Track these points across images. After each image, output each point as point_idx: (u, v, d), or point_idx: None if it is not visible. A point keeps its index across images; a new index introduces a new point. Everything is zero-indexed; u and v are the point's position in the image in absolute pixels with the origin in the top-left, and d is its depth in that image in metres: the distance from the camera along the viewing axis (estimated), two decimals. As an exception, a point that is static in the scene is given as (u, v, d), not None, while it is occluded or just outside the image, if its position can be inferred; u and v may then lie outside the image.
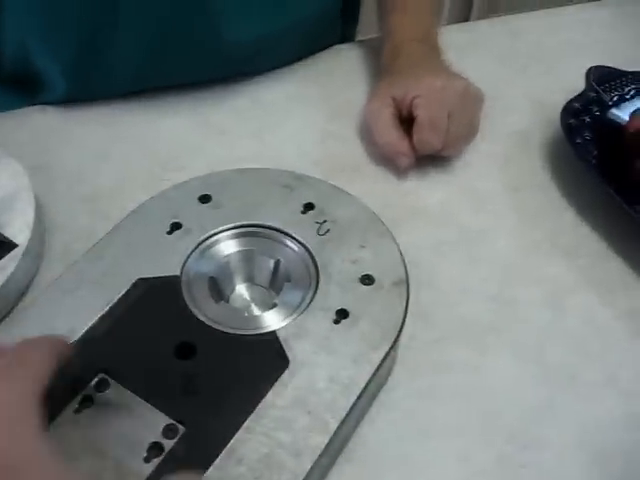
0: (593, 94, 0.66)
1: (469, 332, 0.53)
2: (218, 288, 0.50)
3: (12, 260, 0.53)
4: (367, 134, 0.64)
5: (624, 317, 0.55)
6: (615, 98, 0.67)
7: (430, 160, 0.64)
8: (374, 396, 0.48)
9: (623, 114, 0.66)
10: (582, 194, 0.62)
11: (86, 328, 0.46)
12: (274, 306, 0.48)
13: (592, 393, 0.51)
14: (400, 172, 0.63)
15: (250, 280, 0.52)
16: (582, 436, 0.48)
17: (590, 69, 0.68)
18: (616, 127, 0.64)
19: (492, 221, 0.60)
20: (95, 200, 0.61)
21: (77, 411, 0.43)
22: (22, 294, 0.54)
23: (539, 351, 0.52)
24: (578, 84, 0.66)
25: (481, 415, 0.49)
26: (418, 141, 0.61)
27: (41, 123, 0.68)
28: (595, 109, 0.65)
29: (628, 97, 0.67)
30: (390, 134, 0.62)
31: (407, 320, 0.47)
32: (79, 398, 0.43)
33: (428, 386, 0.50)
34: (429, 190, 0.62)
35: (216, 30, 0.63)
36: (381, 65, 0.67)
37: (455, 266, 0.57)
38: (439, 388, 0.50)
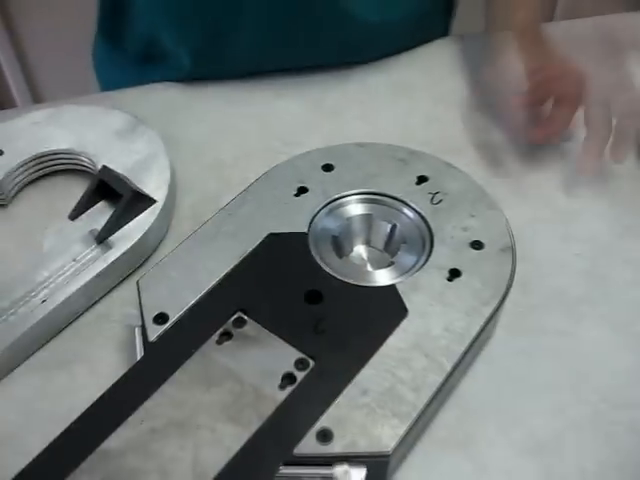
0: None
1: (563, 301, 0.57)
2: (340, 246, 0.55)
3: (151, 214, 0.59)
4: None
5: None
6: None
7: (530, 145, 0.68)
8: (479, 349, 0.53)
9: None
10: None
11: (224, 273, 0.51)
12: (391, 265, 0.53)
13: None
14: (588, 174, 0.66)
15: (368, 242, 0.57)
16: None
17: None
18: None
19: (586, 204, 0.64)
20: (218, 169, 0.67)
21: (218, 342, 0.48)
22: (158, 245, 0.60)
23: (629, 323, 0.56)
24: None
25: (574, 375, 0.53)
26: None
27: (166, 98, 0.74)
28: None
29: None
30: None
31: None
32: (219, 332, 0.49)
33: (525, 347, 0.54)
34: (527, 173, 0.67)
35: (342, 12, 0.68)
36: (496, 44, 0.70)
37: (550, 242, 0.61)
38: (535, 349, 0.54)
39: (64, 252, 0.56)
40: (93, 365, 0.53)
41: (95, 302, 0.56)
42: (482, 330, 0.49)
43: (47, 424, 0.44)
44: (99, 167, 0.59)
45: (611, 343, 0.55)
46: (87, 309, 0.56)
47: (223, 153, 0.68)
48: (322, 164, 0.58)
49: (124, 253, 0.56)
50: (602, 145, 0.63)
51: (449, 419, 0.50)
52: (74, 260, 0.56)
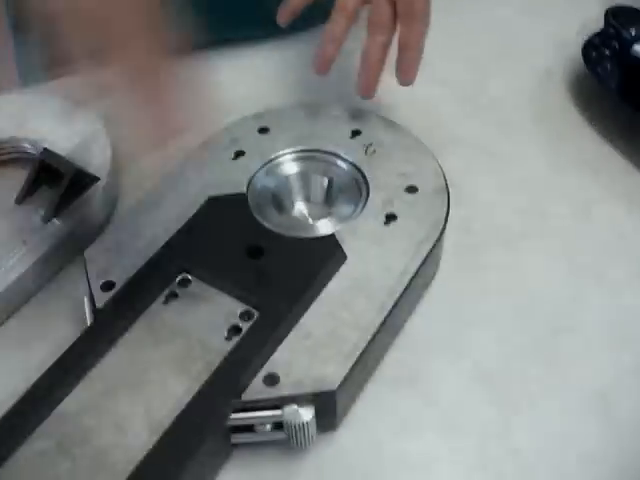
0: (612, 30, 0.71)
1: (503, 238, 0.59)
2: (280, 203, 0.56)
3: (96, 191, 0.60)
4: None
5: (647, 224, 0.60)
6: (634, 34, 0.72)
7: (462, 96, 0.69)
8: (422, 289, 0.54)
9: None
10: (606, 119, 0.68)
11: (167, 238, 0.52)
12: (330, 215, 0.55)
13: (619, 288, 0.56)
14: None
15: (307, 199, 0.58)
16: (610, 323, 0.54)
17: (609, 9, 0.73)
18: (637, 60, 0.69)
19: (521, 146, 0.66)
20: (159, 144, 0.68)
21: (165, 302, 0.49)
22: (106, 222, 0.61)
23: (568, 254, 0.58)
24: (598, 25, 0.71)
25: (517, 307, 0.55)
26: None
27: (102, 79, 0.74)
28: (615, 44, 0.71)
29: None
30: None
31: (448, 230, 0.53)
32: (165, 293, 0.50)
33: (468, 284, 0.56)
34: (460, 121, 0.68)
35: None
36: None
37: (487, 184, 0.63)
38: (478, 285, 0.56)
39: (13, 236, 0.57)
40: (50, 341, 0.53)
41: (48, 281, 0.57)
42: (421, 268, 0.50)
43: (9, 401, 0.45)
44: (41, 152, 0.60)
45: (550, 275, 0.57)
46: (40, 289, 0.57)
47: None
48: (258, 127, 0.60)
49: (71, 231, 0.57)
50: (383, 55, 0.57)
51: (398, 358, 0.52)
52: (24, 243, 0.56)
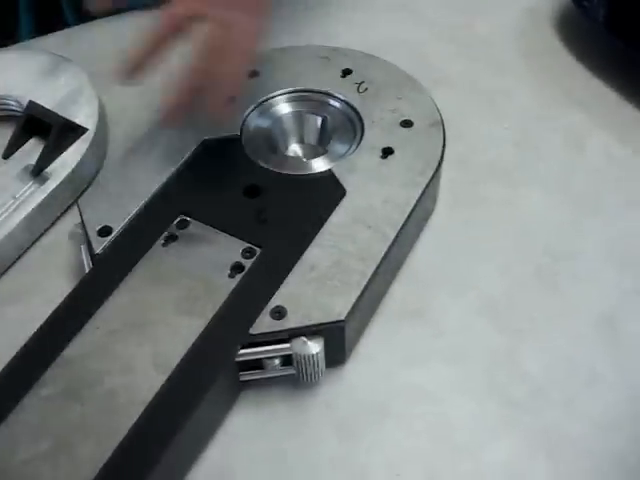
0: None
1: (498, 172, 0.59)
2: (274, 144, 0.56)
3: (84, 142, 0.59)
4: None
5: (640, 151, 0.60)
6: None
7: (448, 35, 0.69)
8: (423, 222, 0.54)
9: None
10: (593, 54, 0.68)
11: (162, 181, 0.52)
12: (325, 153, 0.54)
13: (616, 213, 0.56)
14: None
15: (301, 140, 0.58)
16: (609, 247, 0.54)
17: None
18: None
19: (510, 83, 0.66)
20: (148, 95, 0.66)
21: (164, 245, 0.49)
22: (96, 173, 0.60)
23: (564, 183, 0.58)
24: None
25: (516, 237, 0.55)
26: None
27: (88, 37, 0.73)
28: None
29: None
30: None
31: (445, 166, 0.53)
32: (164, 235, 0.49)
33: (468, 216, 0.56)
34: (449, 61, 0.68)
35: None
36: None
37: (480, 120, 0.62)
38: (478, 217, 0.56)
39: (2, 191, 0.56)
40: (46, 294, 0.52)
41: (40, 235, 0.56)
42: (420, 199, 0.50)
43: (8, 353, 0.44)
44: (27, 106, 0.59)
45: (547, 203, 0.57)
46: (33, 243, 0.56)
47: (152, 80, 0.68)
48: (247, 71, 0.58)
49: (61, 183, 0.56)
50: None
51: (402, 291, 0.52)
52: (13, 197, 0.56)
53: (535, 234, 0.55)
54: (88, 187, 0.59)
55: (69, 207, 0.58)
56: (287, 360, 0.45)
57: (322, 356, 0.45)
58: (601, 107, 0.64)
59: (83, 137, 0.59)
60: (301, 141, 0.57)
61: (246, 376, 0.46)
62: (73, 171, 0.57)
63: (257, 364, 0.46)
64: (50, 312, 0.46)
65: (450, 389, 0.48)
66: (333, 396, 0.47)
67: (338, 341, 0.46)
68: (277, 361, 0.45)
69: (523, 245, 0.54)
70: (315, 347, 0.44)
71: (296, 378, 0.46)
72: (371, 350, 0.49)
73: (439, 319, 0.50)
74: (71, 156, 0.58)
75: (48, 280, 0.54)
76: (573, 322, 0.50)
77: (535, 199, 0.57)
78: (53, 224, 0.57)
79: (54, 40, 0.72)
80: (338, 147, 0.54)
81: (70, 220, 0.56)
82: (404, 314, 0.51)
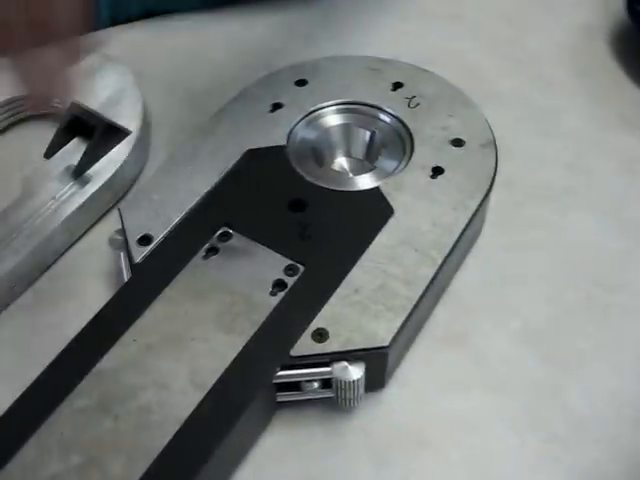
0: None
1: (549, 195, 0.57)
2: (320, 157, 0.54)
3: (127, 145, 0.58)
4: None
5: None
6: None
7: (500, 51, 0.67)
8: (470, 245, 0.52)
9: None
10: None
11: (205, 191, 0.51)
12: (373, 169, 0.53)
13: (669, 244, 0.54)
14: None
15: (348, 154, 0.56)
16: (662, 279, 0.52)
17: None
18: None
19: (563, 102, 0.64)
20: (192, 99, 0.66)
21: (205, 257, 0.48)
22: (137, 177, 0.59)
23: (616, 210, 0.56)
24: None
25: (565, 264, 0.53)
26: None
27: (131, 37, 0.72)
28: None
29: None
30: None
31: (493, 187, 0.51)
32: (206, 247, 0.48)
33: (514, 241, 0.54)
34: (501, 76, 0.66)
35: None
36: None
37: (532, 141, 0.61)
38: (525, 242, 0.54)
39: (42, 191, 0.55)
40: (83, 299, 0.52)
41: (79, 238, 0.56)
42: (470, 223, 0.48)
43: (42, 359, 0.43)
44: (70, 106, 0.58)
45: (598, 231, 0.55)
46: (71, 245, 0.55)
47: (195, 83, 0.67)
48: (295, 80, 0.58)
49: (102, 186, 0.55)
50: None
51: (445, 316, 0.50)
52: (53, 198, 0.55)
53: (584, 262, 0.53)
54: (129, 191, 0.58)
55: (109, 210, 0.57)
56: (326, 383, 0.44)
57: (362, 382, 0.43)
58: (656, 132, 0.62)
59: (126, 140, 0.58)
60: (348, 155, 0.56)
61: (283, 397, 0.45)
62: (114, 174, 0.56)
63: (295, 385, 0.44)
64: (86, 319, 0.45)
65: (490, 420, 0.46)
66: (370, 421, 0.46)
67: (379, 366, 0.45)
68: (316, 384, 0.44)
69: (571, 273, 0.52)
70: (356, 373, 0.43)
71: (334, 401, 0.45)
72: (411, 375, 0.48)
73: (482, 346, 0.49)
74: (113, 159, 0.57)
75: (85, 286, 0.53)
76: (621, 356, 0.49)
77: (586, 225, 0.55)
78: (92, 227, 0.56)
79: (99, 38, 0.71)
80: (386, 163, 0.53)
81: (110, 224, 0.55)
82: (446, 339, 0.49)
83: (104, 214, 0.57)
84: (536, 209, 0.56)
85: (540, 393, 0.47)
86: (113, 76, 0.62)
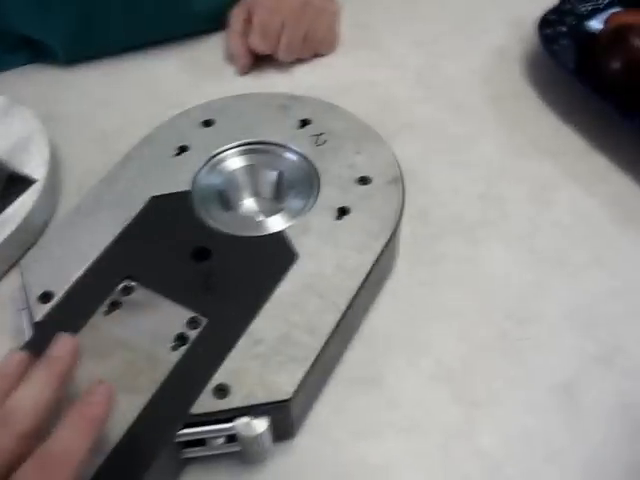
0: (568, 6, 0.69)
1: (461, 227, 0.57)
2: (227, 201, 0.54)
3: (33, 194, 0.56)
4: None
5: (608, 204, 0.58)
6: (589, 9, 0.70)
7: (414, 78, 0.67)
8: (379, 285, 0.52)
9: (598, 24, 0.69)
10: (561, 100, 0.66)
11: (108, 242, 0.50)
12: (280, 211, 0.52)
13: (580, 273, 0.54)
14: (238, 72, 0.70)
15: (256, 194, 0.56)
16: (573, 310, 0.52)
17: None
18: (592, 36, 0.67)
19: (476, 129, 0.64)
20: (103, 141, 0.65)
21: (107, 313, 0.47)
22: (45, 226, 0.57)
23: (528, 240, 0.56)
24: (552, 2, 0.69)
25: (478, 298, 0.53)
26: (250, 43, 0.67)
27: (42, 78, 0.71)
28: (571, 20, 0.69)
29: (602, 7, 0.70)
30: (232, 37, 0.69)
31: (405, 220, 0.51)
32: (107, 302, 0.47)
33: (428, 276, 0.54)
34: (415, 105, 0.66)
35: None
36: None
37: (445, 171, 0.61)
38: (438, 277, 0.54)
39: (-55, 243, 0.54)
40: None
41: (-16, 292, 0.54)
42: (375, 265, 0.48)
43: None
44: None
45: (510, 263, 0.55)
46: (-25, 300, 0.53)
47: (107, 125, 0.66)
48: (202, 120, 0.57)
49: (8, 237, 0.54)
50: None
51: (357, 357, 0.50)
52: (-43, 251, 0.53)
53: (497, 295, 0.53)
54: (37, 241, 0.57)
55: (16, 262, 0.55)
56: (232, 437, 0.43)
57: (268, 435, 0.43)
58: (569, 156, 0.62)
59: (32, 188, 0.57)
60: (256, 195, 0.55)
61: (190, 453, 0.44)
62: (21, 224, 0.55)
63: (201, 441, 0.43)
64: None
65: (403, 463, 0.46)
66: (281, 473, 0.46)
67: (285, 418, 0.44)
68: (221, 439, 0.43)
69: (484, 307, 0.52)
70: (260, 427, 0.42)
71: (242, 455, 0.44)
72: (322, 422, 0.47)
73: (394, 388, 0.49)
74: (19, 208, 0.56)
75: (-10, 341, 0.51)
76: (532, 392, 0.49)
77: (498, 257, 0.55)
78: (-1, 279, 0.55)
79: (8, 79, 0.70)
80: (294, 203, 0.53)
81: (16, 278, 0.53)
82: (357, 383, 0.49)
83: (9, 267, 0.55)
84: (450, 242, 0.56)
85: (453, 435, 0.47)
86: (19, 122, 0.61)
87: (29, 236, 0.56)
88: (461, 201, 0.59)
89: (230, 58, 0.70)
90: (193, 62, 0.71)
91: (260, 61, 0.70)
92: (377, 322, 0.52)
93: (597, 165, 0.61)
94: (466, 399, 0.48)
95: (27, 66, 0.72)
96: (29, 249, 0.56)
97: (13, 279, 0.54)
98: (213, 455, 0.45)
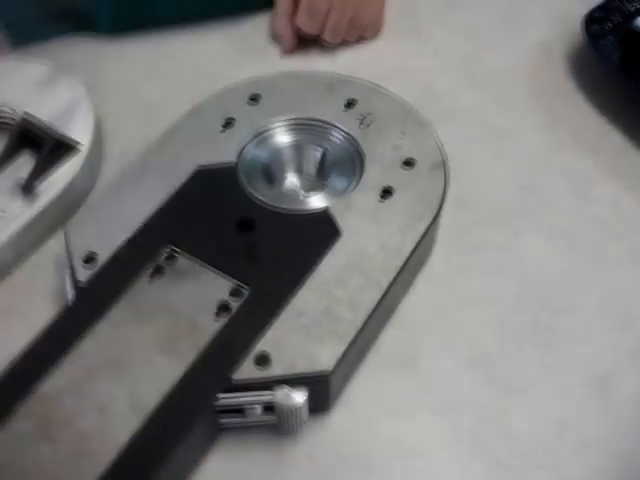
0: (615, 3, 0.69)
1: (500, 216, 0.57)
2: (271, 175, 0.54)
3: (78, 160, 0.57)
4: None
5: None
6: (637, 7, 0.69)
7: (458, 68, 0.67)
8: (418, 267, 0.52)
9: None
10: (604, 97, 0.66)
11: (153, 210, 0.50)
12: (323, 189, 0.52)
13: (617, 268, 0.54)
14: (282, 53, 0.70)
15: (299, 170, 0.56)
16: (608, 303, 0.52)
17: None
18: (639, 35, 0.67)
19: (518, 121, 0.64)
20: (146, 111, 0.65)
21: (150, 279, 0.47)
22: (88, 192, 0.58)
23: (567, 232, 0.56)
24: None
25: (514, 287, 0.53)
26: (296, 23, 0.67)
27: (87, 48, 0.71)
28: (617, 18, 0.68)
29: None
30: (279, 18, 0.69)
31: (445, 207, 0.51)
32: (151, 268, 0.47)
33: (465, 262, 0.54)
34: (457, 94, 0.66)
35: None
36: None
37: (485, 160, 0.61)
38: (475, 264, 0.54)
39: (-10, 206, 0.54)
40: (28, 316, 0.51)
41: (27, 254, 0.55)
42: (418, 246, 0.48)
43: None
44: (21, 118, 0.58)
45: (548, 254, 0.55)
46: (19, 261, 0.54)
47: (150, 95, 0.66)
48: (248, 95, 0.57)
49: (52, 202, 0.55)
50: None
51: (393, 338, 0.50)
52: (2, 212, 0.54)
53: (534, 285, 0.53)
54: (79, 206, 0.57)
55: (59, 226, 0.56)
56: (269, 407, 0.44)
57: (305, 407, 0.43)
58: (610, 152, 0.62)
59: (76, 155, 0.57)
60: (299, 172, 0.56)
61: (227, 421, 0.44)
62: (64, 189, 0.56)
63: (238, 409, 0.44)
64: (31, 336, 0.45)
65: (434, 445, 0.46)
66: (314, 446, 0.46)
67: (323, 391, 0.44)
68: (259, 408, 0.44)
69: (521, 296, 0.52)
70: (298, 398, 0.43)
71: (278, 426, 0.44)
72: (356, 399, 0.48)
73: (428, 370, 0.49)
74: (63, 174, 0.56)
75: (32, 301, 0.52)
76: (566, 382, 0.49)
77: (536, 248, 0.55)
78: (41, 244, 0.55)
79: (53, 48, 0.70)
80: (337, 182, 0.53)
81: (59, 240, 0.54)
82: (393, 363, 0.49)
83: (54, 230, 0.56)
84: (488, 231, 0.56)
85: (485, 418, 0.47)
86: (65, 89, 0.62)
87: (72, 202, 0.57)
88: (501, 191, 0.59)
89: (275, 38, 0.70)
90: (239, 41, 0.71)
91: (304, 43, 0.70)
92: (414, 304, 0.52)
93: (638, 164, 0.61)
94: (500, 384, 0.49)
95: (71, 37, 0.73)
96: (72, 214, 0.56)
97: (55, 243, 0.55)
98: (247, 427, 0.45)
